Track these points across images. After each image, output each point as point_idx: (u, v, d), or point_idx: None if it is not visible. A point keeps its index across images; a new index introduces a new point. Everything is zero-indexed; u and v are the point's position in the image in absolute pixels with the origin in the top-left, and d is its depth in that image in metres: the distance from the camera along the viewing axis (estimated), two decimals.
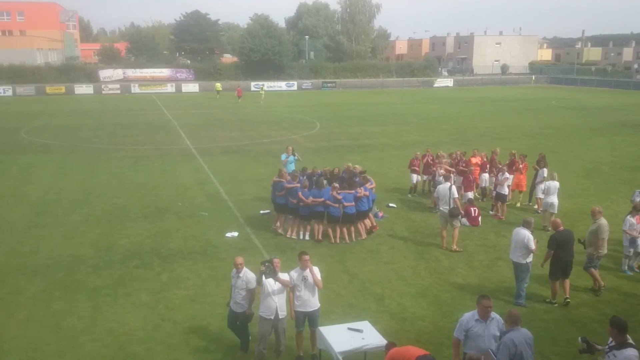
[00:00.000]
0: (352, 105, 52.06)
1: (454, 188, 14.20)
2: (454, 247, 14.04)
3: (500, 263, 13.09)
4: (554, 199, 15.60)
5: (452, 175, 15.58)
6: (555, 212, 15.57)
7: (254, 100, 54.95)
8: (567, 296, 11.15)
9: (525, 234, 10.78)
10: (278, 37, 79.12)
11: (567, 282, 11.15)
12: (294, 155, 18.85)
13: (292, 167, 18.18)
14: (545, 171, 17.28)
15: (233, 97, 55.08)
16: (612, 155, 27.15)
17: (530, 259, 10.91)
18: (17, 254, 13.76)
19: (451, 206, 13.93)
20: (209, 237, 15.05)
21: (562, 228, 11.19)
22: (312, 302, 8.98)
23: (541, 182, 17.01)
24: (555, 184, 15.68)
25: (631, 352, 6.64)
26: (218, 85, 61.82)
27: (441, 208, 14.31)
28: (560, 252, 10.88)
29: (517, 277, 11.04)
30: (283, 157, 18.90)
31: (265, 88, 61.35)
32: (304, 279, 8.88)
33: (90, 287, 11.82)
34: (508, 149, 21.71)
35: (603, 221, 11.66)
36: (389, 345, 7.61)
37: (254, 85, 69.13)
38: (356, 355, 8.37)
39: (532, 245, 10.73)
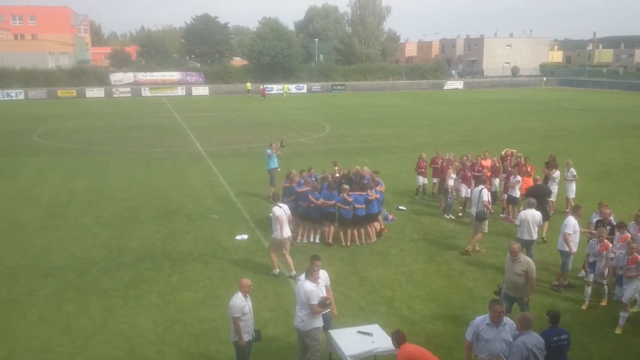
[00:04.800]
0: (361, 107, 52.04)
1: (484, 191, 14.16)
2: (476, 248, 14.02)
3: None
4: (573, 186, 17.44)
5: (487, 178, 15.57)
6: (573, 196, 17.42)
7: (273, 101, 57.49)
8: (544, 235, 14.70)
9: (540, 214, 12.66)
10: (288, 40, 79.31)
11: (546, 223, 14.68)
12: (276, 151, 19.57)
13: (274, 163, 19.25)
14: (557, 172, 17.31)
15: (258, 97, 60.55)
16: (625, 157, 26.90)
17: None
18: (29, 256, 13.87)
19: (478, 209, 13.91)
20: (219, 239, 15.08)
21: (539, 183, 15.49)
22: None
23: (554, 182, 17.16)
24: (573, 171, 17.56)
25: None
26: (249, 85, 66.80)
27: (471, 210, 14.34)
28: (539, 198, 13.70)
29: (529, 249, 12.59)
30: (267, 153, 19.49)
31: (288, 88, 66.73)
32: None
33: (101, 289, 11.89)
34: (518, 151, 21.50)
35: (527, 257, 10.16)
36: (400, 336, 7.22)
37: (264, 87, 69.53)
38: (366, 359, 8.33)
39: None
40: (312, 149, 29.03)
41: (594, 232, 11.76)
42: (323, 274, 9.01)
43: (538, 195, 14.09)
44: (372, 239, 14.82)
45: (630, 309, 10.42)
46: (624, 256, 10.26)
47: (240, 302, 8.23)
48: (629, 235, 11.26)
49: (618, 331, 10.08)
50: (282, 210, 12.36)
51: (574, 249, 11.71)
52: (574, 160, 18.91)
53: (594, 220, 12.76)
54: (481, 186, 14.32)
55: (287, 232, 12.41)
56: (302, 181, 15.13)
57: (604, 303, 11.15)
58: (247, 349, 8.45)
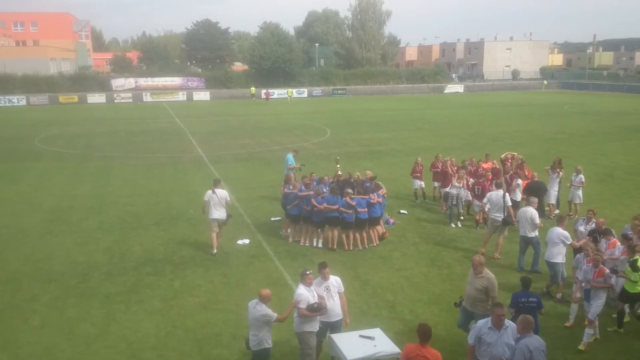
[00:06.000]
0: (362, 111, 52.12)
1: (507, 196, 14.20)
2: (497, 255, 13.87)
3: (513, 269, 12.99)
4: (580, 192, 17.36)
5: (504, 183, 15.61)
6: (580, 202, 17.31)
7: (275, 105, 58.84)
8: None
9: (533, 211, 12.78)
10: (288, 44, 79.50)
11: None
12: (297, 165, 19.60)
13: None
14: (560, 173, 17.38)
15: (261, 101, 63.65)
16: (626, 160, 26.90)
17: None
18: (31, 261, 13.89)
19: (505, 214, 13.89)
20: (221, 244, 15.05)
21: (536, 179, 16.26)
22: (335, 311, 8.93)
23: (555, 185, 17.20)
24: (582, 177, 17.35)
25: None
26: (252, 89, 68.27)
27: (493, 216, 14.17)
28: (534, 194, 14.26)
29: (536, 248, 12.91)
30: (290, 160, 19.44)
31: (292, 92, 69.25)
32: (327, 289, 8.87)
33: (104, 294, 11.90)
34: (519, 154, 21.46)
35: (491, 274, 9.26)
36: (427, 331, 7.11)
37: (262, 92, 69.69)
38: None
39: (537, 220, 12.77)
40: (314, 153, 29.07)
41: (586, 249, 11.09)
42: (335, 280, 9.03)
43: (533, 190, 15.12)
44: (374, 243, 14.82)
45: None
46: (590, 269, 9.70)
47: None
48: (617, 241, 11.02)
49: (582, 347, 9.56)
50: (214, 195, 14.02)
51: (562, 259, 11.41)
52: (575, 163, 18.94)
53: (579, 227, 12.36)
54: (501, 191, 14.33)
55: (216, 214, 13.99)
56: (304, 186, 15.12)
57: (568, 324, 10.44)
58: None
